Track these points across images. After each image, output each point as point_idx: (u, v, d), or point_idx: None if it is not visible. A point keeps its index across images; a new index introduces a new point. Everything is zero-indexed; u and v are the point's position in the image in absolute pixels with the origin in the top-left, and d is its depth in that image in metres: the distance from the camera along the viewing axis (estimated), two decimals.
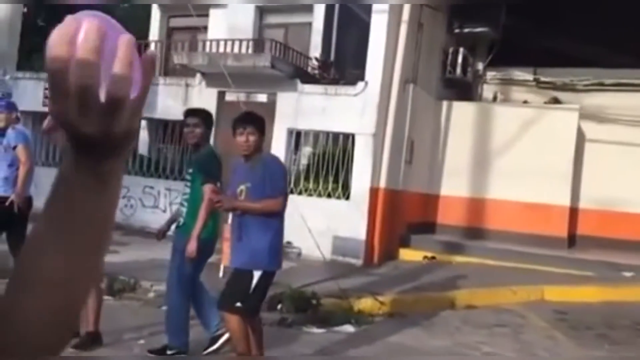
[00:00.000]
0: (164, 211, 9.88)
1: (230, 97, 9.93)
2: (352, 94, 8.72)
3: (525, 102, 11.37)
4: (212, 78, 9.53)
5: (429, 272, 8.20)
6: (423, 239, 9.83)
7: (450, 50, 10.85)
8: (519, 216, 10.20)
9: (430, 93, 10.46)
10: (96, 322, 4.35)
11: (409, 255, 9.31)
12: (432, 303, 6.54)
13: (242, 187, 3.89)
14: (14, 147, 5.39)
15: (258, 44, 13.17)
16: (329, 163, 8.87)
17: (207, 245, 4.29)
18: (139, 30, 20.48)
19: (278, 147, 9.10)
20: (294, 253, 8.77)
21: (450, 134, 10.78)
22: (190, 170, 4.31)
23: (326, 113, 8.75)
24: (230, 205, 3.87)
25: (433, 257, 9.12)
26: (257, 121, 4.00)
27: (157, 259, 7.76)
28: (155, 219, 9.87)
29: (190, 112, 4.47)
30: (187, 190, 4.29)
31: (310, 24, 14.00)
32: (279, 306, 5.73)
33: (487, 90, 11.97)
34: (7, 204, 5.26)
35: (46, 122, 4.37)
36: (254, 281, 3.73)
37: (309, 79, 9.43)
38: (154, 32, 15.23)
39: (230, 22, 13.67)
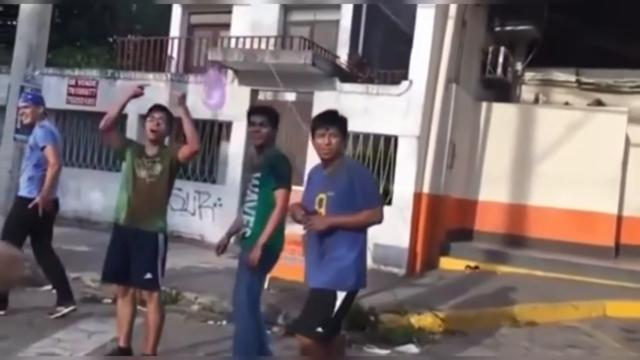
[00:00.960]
0: (193, 214, 9.46)
1: (262, 95, 9.50)
2: (395, 94, 8.27)
3: (566, 104, 10.89)
4: (245, 76, 9.09)
5: (476, 284, 7.72)
6: (463, 247, 9.35)
7: (490, 49, 10.37)
8: (562, 224, 9.71)
9: (470, 93, 9.99)
10: (128, 337, 3.98)
11: (450, 264, 8.84)
12: (492, 319, 6.08)
13: (322, 196, 3.42)
14: (42, 148, 4.97)
15: (283, 41, 12.82)
16: (370, 166, 8.42)
17: (272, 256, 3.85)
18: (160, 27, 20.09)
19: (314, 152, 8.63)
20: None
21: (489, 137, 10.31)
22: (258, 175, 3.84)
23: (367, 113, 8.29)
24: (323, 225, 3.29)
25: (476, 267, 8.65)
26: (340, 121, 3.54)
27: (194, 267, 7.33)
28: (184, 223, 9.47)
29: (255, 110, 4.03)
30: (254, 196, 3.83)
31: (337, 21, 13.57)
32: None
33: (526, 92, 11.48)
34: (30, 206, 4.84)
35: (102, 123, 3.94)
36: (338, 303, 3.29)
37: (345, 77, 8.98)
38: (175, 29, 14.83)
39: (254, 19, 13.25)
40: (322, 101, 8.62)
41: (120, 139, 4.23)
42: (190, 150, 3.89)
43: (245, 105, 9.03)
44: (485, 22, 10.46)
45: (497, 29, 10.42)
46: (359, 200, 3.30)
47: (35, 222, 4.96)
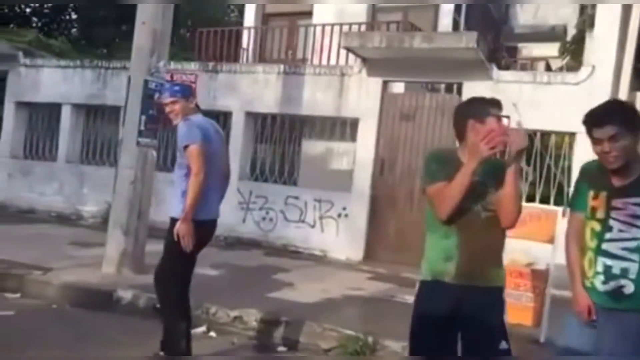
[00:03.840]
0: (313, 226, 8.22)
1: (394, 87, 8.22)
2: (572, 83, 6.91)
3: None
4: (375, 65, 7.81)
5: None
6: None
7: None
8: None
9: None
10: None
11: None
12: None
13: None
14: (185, 148, 3.75)
15: (372, 28, 11.58)
16: (539, 168, 7.11)
17: None
18: (234, 16, 18.96)
19: None
20: None
21: None
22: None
23: (534, 106, 6.95)
24: None
25: None
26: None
27: (352, 296, 6.06)
28: (302, 236, 8.26)
29: (602, 118, 2.61)
30: (635, 232, 2.50)
31: (437, 6, 12.30)
32: None
33: None
34: (176, 231, 3.64)
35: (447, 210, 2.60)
36: None
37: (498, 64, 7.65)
38: (249, 18, 13.74)
39: (338, 6, 12.06)
40: (474, 93, 7.26)
41: None
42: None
43: (374, 99, 7.82)
44: None
45: None
46: None
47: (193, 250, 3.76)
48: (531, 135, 7.10)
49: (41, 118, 10.39)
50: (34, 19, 20.66)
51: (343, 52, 9.88)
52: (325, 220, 8.15)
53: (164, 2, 6.00)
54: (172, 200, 3.84)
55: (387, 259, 7.76)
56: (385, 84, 7.87)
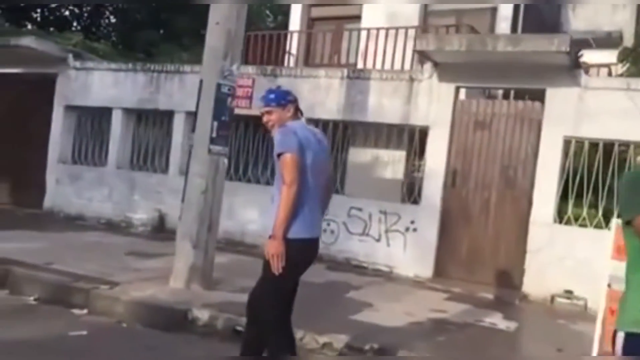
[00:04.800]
0: (378, 240, 7.77)
1: (465, 94, 7.76)
2: None
3: None
4: (447, 69, 7.36)
5: None
6: None
7: None
8: None
9: None
10: None
11: None
12: None
13: None
14: (278, 157, 3.33)
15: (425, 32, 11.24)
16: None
17: None
18: (279, 20, 18.72)
19: (549, 161, 6.85)
20: (578, 306, 6.51)
21: None
22: None
23: (628, 116, 6.43)
24: None
25: None
26: None
27: (438, 319, 5.54)
28: (366, 250, 7.83)
29: None
30: None
31: (493, 9, 11.84)
32: None
33: None
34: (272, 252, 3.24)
35: None
36: None
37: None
38: (295, 22, 13.45)
39: (389, 9, 11.69)
40: (559, 100, 6.80)
41: None
42: None
43: (446, 106, 7.38)
44: None
45: None
46: None
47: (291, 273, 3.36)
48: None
49: (90, 122, 10.13)
50: (74, 23, 20.64)
51: (396, 56, 9.57)
52: (392, 234, 7.69)
53: (239, 2, 5.64)
54: (272, 217, 3.45)
55: (458, 277, 7.29)
56: (457, 89, 7.41)
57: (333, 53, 12.09)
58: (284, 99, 3.53)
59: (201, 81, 5.66)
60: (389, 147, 8.21)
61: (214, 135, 5.56)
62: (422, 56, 7.24)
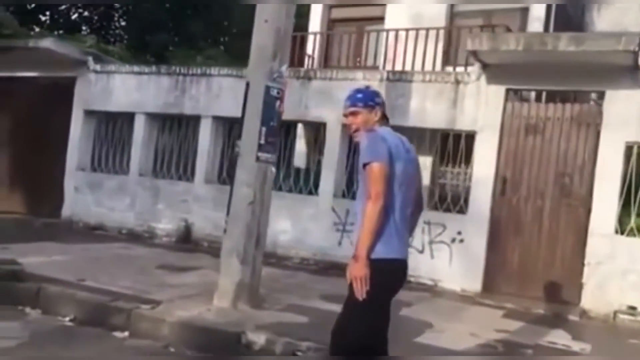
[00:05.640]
0: (421, 251, 7.36)
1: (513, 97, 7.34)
2: None
3: None
4: (497, 71, 6.96)
5: None
6: None
7: None
8: None
9: None
10: None
11: None
12: None
13: None
14: (364, 167, 2.93)
15: (450, 33, 10.99)
16: None
17: None
18: (299, 22, 18.40)
19: (609, 168, 6.43)
20: None
21: None
22: None
23: None
24: None
25: None
26: None
27: (508, 342, 5.01)
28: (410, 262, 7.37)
29: None
30: None
31: (524, 10, 11.51)
32: None
33: None
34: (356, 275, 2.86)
35: None
36: None
37: None
38: (315, 24, 13.15)
39: (412, 11, 11.36)
40: (620, 103, 6.39)
41: None
42: None
43: (495, 109, 6.98)
44: None
45: None
46: None
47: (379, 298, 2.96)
48: None
49: (111, 127, 9.72)
50: (84, 26, 20.28)
51: (426, 57, 9.21)
52: (436, 246, 7.27)
53: (287, 2, 5.24)
54: (355, 235, 3.05)
55: (508, 292, 6.86)
56: (507, 92, 7.01)
57: (355, 55, 11.74)
58: (372, 99, 3.14)
59: (248, 83, 5.25)
60: (430, 153, 7.79)
61: (262, 141, 5.14)
62: (473, 57, 6.82)
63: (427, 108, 7.42)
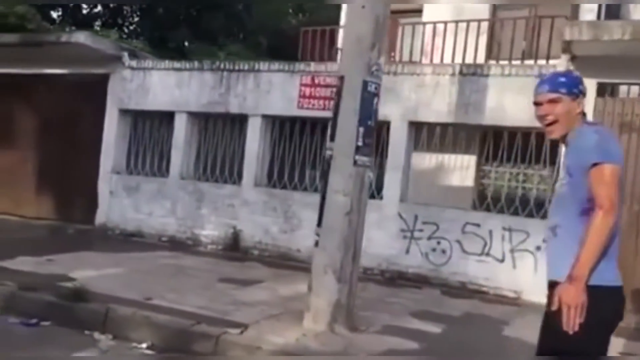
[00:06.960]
0: (501, 261, 6.77)
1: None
2: None
3: None
4: (587, 63, 6.37)
5: None
6: None
7: None
8: None
9: None
10: None
11: None
12: None
13: None
14: (592, 167, 2.33)
15: (493, 26, 10.45)
16: None
17: None
18: (331, 16, 17.77)
19: None
20: None
21: None
22: None
23: None
24: None
25: None
26: None
27: None
28: (486, 272, 6.83)
29: None
30: None
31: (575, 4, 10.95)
32: None
33: None
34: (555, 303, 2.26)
35: None
36: None
37: None
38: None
39: (452, 4, 10.81)
40: None
41: None
42: None
43: (586, 104, 6.33)
44: None
45: None
46: None
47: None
48: None
49: (149, 127, 9.11)
50: (97, 22, 19.60)
51: (467, 51, 8.59)
52: (518, 254, 6.69)
53: None
54: (556, 255, 2.45)
55: None
56: (599, 86, 6.43)
57: (389, 50, 11.14)
58: (576, 87, 2.50)
59: (342, 78, 4.64)
60: (509, 153, 7.19)
61: (360, 143, 4.55)
62: (565, 47, 6.23)
63: (506, 104, 6.84)
